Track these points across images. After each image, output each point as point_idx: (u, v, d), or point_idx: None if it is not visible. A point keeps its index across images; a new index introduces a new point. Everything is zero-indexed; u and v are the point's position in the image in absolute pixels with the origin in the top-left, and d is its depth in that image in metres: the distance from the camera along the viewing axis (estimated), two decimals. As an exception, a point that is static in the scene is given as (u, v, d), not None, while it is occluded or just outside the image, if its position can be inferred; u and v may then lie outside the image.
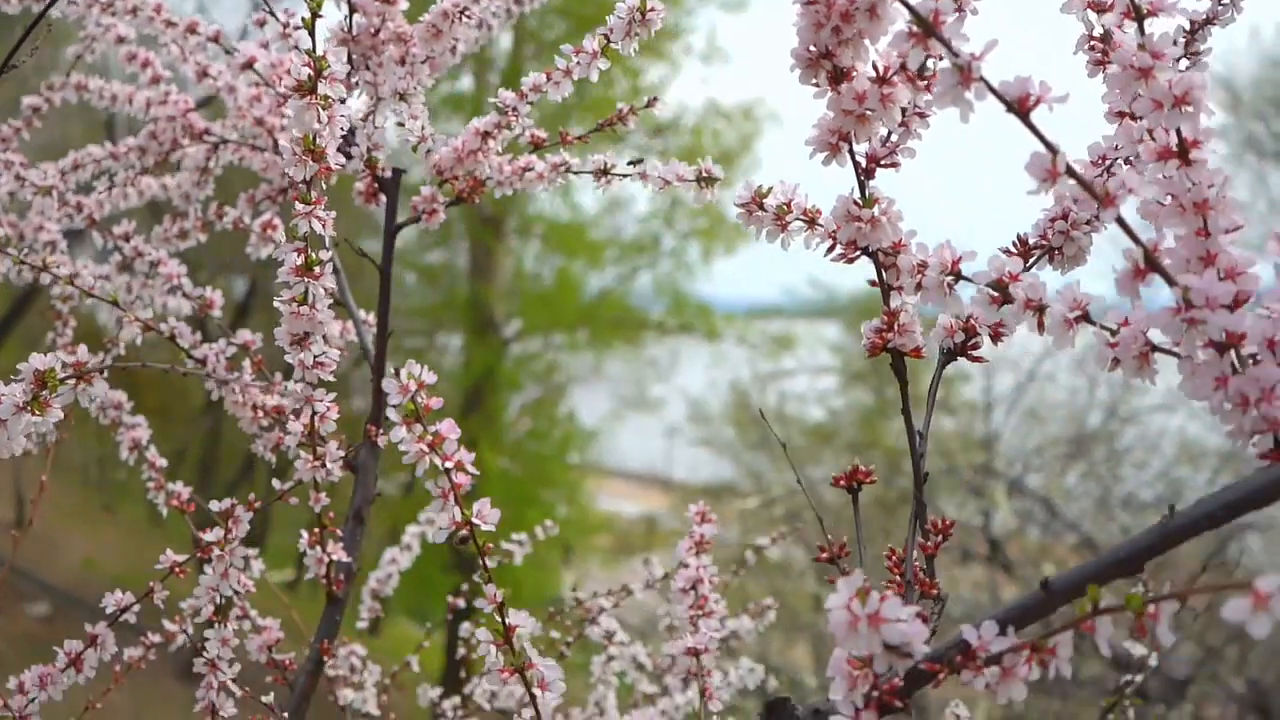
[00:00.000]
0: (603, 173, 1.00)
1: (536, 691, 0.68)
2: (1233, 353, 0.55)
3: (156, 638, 1.19)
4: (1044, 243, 0.73)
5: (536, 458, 11.63)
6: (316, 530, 1.02)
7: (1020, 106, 0.54)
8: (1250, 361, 0.55)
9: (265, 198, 1.25)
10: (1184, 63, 0.75)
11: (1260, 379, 0.53)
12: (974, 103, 0.55)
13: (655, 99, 1.07)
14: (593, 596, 1.42)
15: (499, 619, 0.69)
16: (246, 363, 1.10)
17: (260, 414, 1.06)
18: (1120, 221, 0.54)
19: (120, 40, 1.28)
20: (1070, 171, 0.54)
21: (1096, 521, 6.70)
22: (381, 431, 1.01)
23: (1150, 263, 0.55)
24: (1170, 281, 0.54)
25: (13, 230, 1.37)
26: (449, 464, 0.66)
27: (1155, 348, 0.58)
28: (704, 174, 0.89)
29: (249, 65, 1.08)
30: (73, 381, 0.67)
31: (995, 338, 0.72)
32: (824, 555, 0.56)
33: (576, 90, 1.06)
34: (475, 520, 0.67)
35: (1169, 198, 0.58)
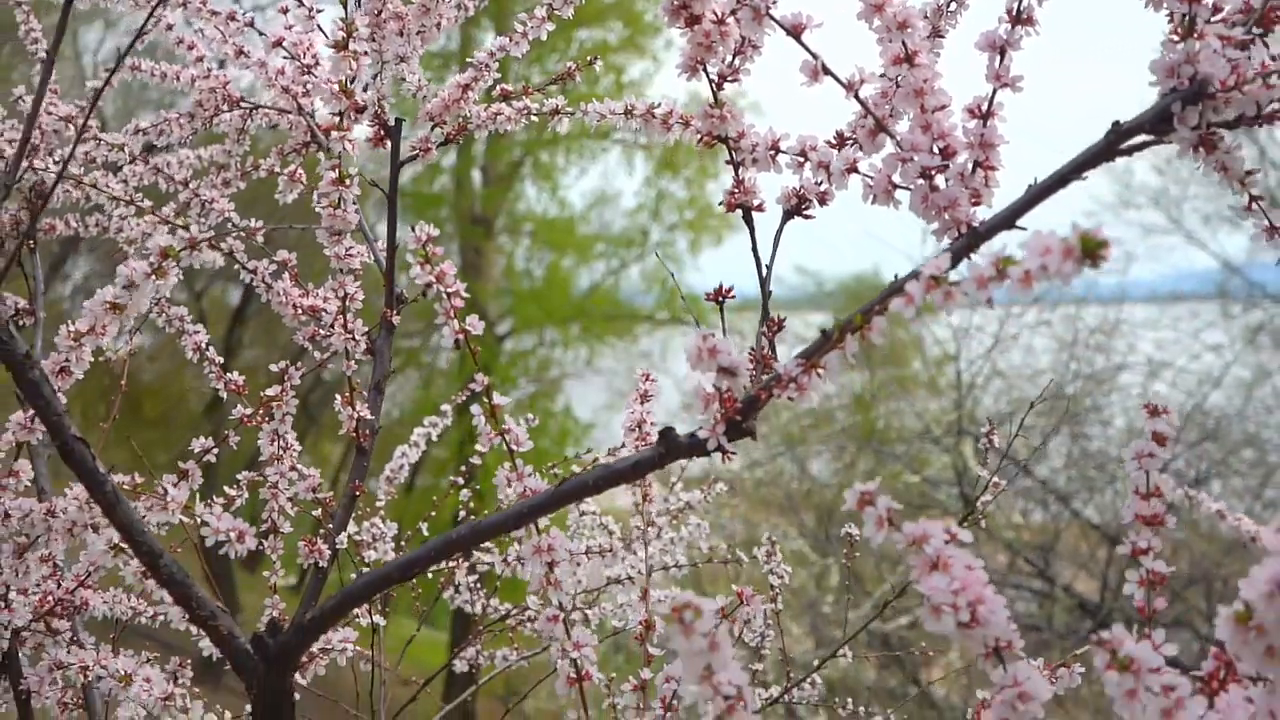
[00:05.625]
0: (555, 113, 1.32)
1: (513, 446, 1.01)
2: (939, 179, 0.88)
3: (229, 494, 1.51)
4: (853, 136, 1.05)
5: (534, 453, 11.90)
6: (348, 393, 1.33)
7: (795, 30, 0.86)
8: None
9: (292, 150, 1.57)
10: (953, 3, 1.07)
11: (947, 195, 0.86)
12: (768, 31, 0.87)
13: (596, 57, 1.39)
14: (564, 461, 1.74)
15: (487, 400, 1.01)
16: (285, 275, 1.42)
17: (298, 311, 1.38)
18: (859, 100, 0.87)
19: (170, 28, 1.59)
20: (825, 70, 0.86)
21: (1067, 478, 7.04)
22: (396, 313, 1.32)
23: (879, 126, 0.87)
24: (892, 136, 0.87)
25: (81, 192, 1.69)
26: (449, 290, 0.98)
27: (895, 185, 0.90)
28: (629, 108, 1.21)
29: (278, 43, 1.40)
30: (189, 250, 0.99)
31: (821, 201, 1.03)
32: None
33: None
34: (468, 327, 0.99)
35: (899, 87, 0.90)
